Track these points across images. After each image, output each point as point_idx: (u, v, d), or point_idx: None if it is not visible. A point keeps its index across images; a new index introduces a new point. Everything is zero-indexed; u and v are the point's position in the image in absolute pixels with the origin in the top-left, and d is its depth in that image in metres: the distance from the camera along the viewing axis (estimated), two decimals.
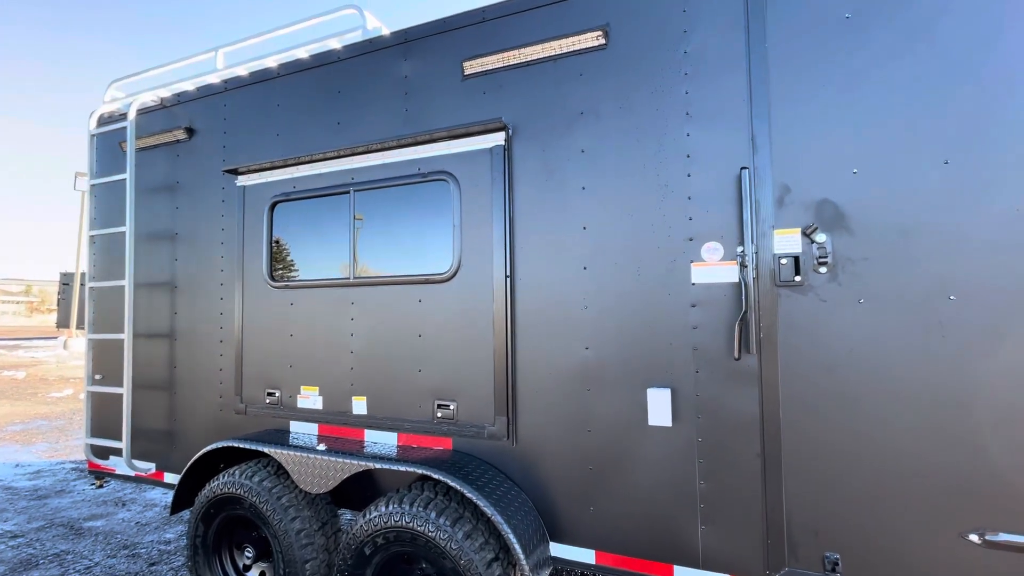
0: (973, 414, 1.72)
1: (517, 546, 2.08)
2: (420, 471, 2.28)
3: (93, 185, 3.57)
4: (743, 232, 2.00)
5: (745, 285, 1.99)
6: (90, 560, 3.64)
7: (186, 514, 4.20)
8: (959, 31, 1.78)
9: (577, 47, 2.31)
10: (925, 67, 1.81)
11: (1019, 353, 1.68)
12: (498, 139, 2.44)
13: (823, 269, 1.91)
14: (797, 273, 1.93)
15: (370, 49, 2.80)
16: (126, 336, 3.22)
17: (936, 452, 1.76)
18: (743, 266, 2.00)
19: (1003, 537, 1.67)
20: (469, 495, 2.15)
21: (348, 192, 2.78)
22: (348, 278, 2.76)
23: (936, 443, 1.76)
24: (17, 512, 4.53)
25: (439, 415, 2.53)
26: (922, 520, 1.77)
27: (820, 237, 1.91)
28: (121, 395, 3.25)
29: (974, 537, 1.71)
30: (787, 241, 1.96)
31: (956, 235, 1.75)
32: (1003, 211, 1.70)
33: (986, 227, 1.72)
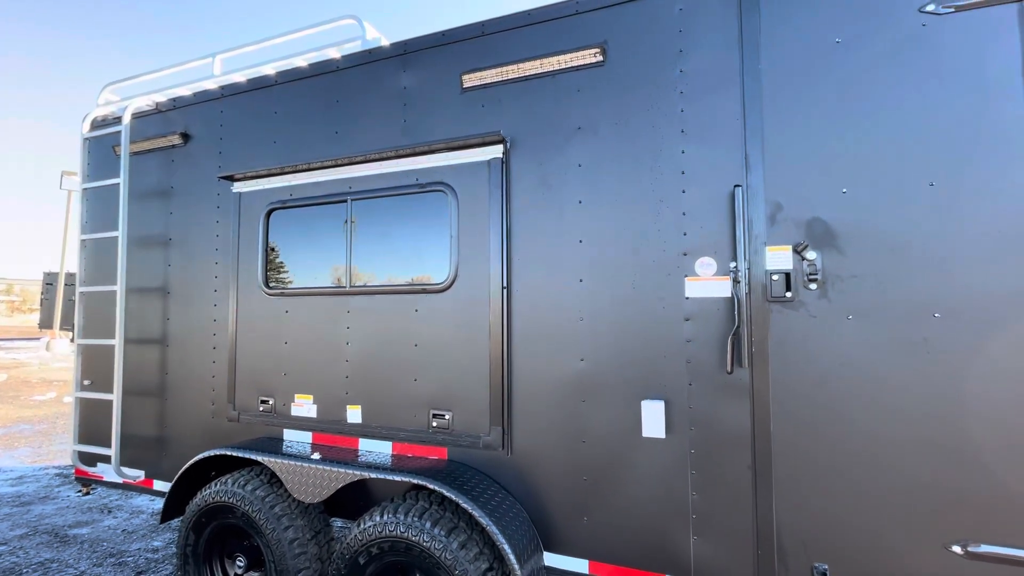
0: (956, 428, 1.77)
1: (512, 556, 2.09)
2: (415, 481, 2.29)
3: (85, 189, 3.54)
4: (736, 248, 2.05)
5: (738, 300, 2.03)
6: (76, 569, 3.58)
7: (174, 522, 4.15)
8: (944, 59, 1.84)
9: (575, 63, 2.35)
10: (910, 92, 1.88)
11: (1000, 369, 1.74)
12: (496, 152, 2.47)
13: (813, 286, 1.96)
14: (788, 289, 1.98)
15: (369, 59, 2.82)
16: (117, 342, 3.19)
17: (921, 465, 1.81)
18: (736, 281, 2.05)
19: (984, 548, 1.73)
20: (464, 505, 2.16)
21: (345, 201, 2.80)
22: (344, 287, 2.77)
23: (921, 457, 1.81)
24: None
25: (434, 425, 2.54)
26: (907, 531, 1.82)
27: (811, 254, 1.96)
28: (110, 401, 3.21)
29: (957, 548, 1.76)
30: (779, 258, 2.01)
31: (941, 254, 1.81)
32: (986, 232, 1.77)
33: (969, 247, 1.78)
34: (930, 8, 1.86)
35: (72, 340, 3.70)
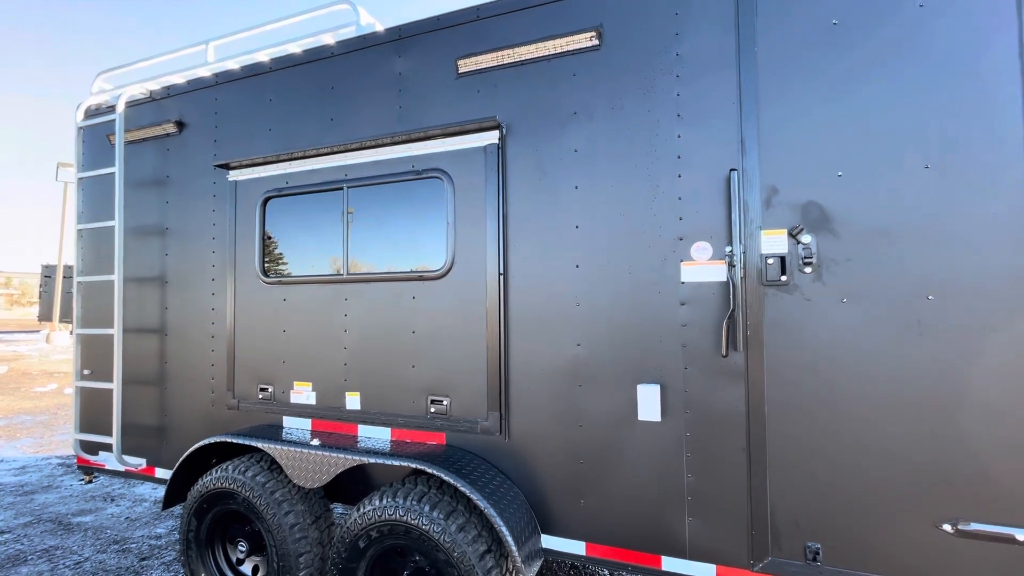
0: (948, 409, 1.79)
1: (509, 538, 2.12)
2: (414, 465, 2.31)
3: (81, 178, 3.53)
4: (731, 232, 2.05)
5: (733, 284, 2.04)
6: (80, 555, 3.62)
7: (177, 509, 4.19)
8: (940, 41, 1.84)
9: (571, 47, 2.33)
10: (907, 75, 1.87)
11: (991, 351, 1.75)
12: (492, 138, 2.46)
13: (808, 269, 1.97)
14: (783, 273, 1.99)
15: (364, 45, 2.79)
16: (116, 331, 3.20)
17: (912, 446, 1.83)
18: (731, 265, 2.05)
19: (974, 526, 1.75)
20: (463, 489, 2.19)
21: (342, 188, 2.79)
22: (342, 274, 2.77)
23: (912, 437, 1.83)
24: (3, 508, 4.49)
25: (432, 410, 2.56)
26: (898, 511, 1.84)
27: (805, 238, 1.96)
28: (111, 390, 3.23)
29: (947, 527, 1.78)
30: (774, 241, 2.01)
31: (935, 238, 1.82)
32: (979, 215, 1.77)
33: (963, 230, 1.79)
34: None
35: (72, 332, 3.70)
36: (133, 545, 3.77)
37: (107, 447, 3.37)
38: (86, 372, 3.51)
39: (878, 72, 1.90)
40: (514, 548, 2.12)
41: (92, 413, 3.49)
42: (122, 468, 3.33)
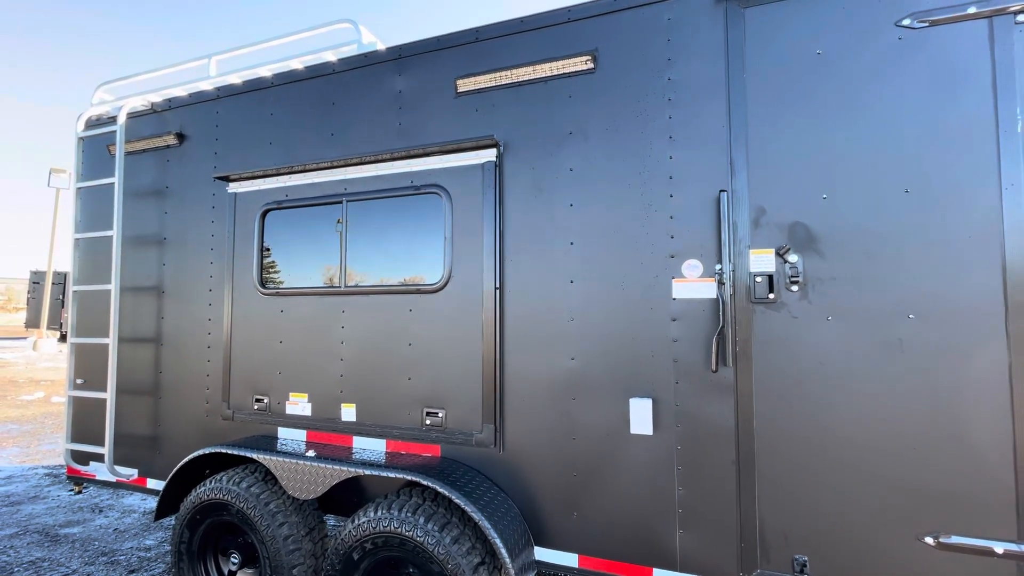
0: (928, 425, 1.85)
1: (503, 550, 2.15)
2: (409, 477, 2.33)
3: (79, 188, 3.55)
4: (721, 251, 2.12)
5: (723, 301, 2.10)
6: (67, 568, 3.58)
7: (166, 520, 4.16)
8: (919, 70, 1.93)
9: (567, 70, 2.41)
10: (887, 103, 1.96)
11: (970, 368, 1.82)
12: (490, 155, 2.52)
13: (795, 287, 2.03)
14: (771, 291, 2.06)
15: (365, 63, 2.86)
16: (111, 340, 3.20)
17: (895, 460, 1.89)
18: (721, 283, 2.12)
19: (955, 539, 1.81)
20: (457, 500, 2.21)
21: (340, 202, 2.84)
22: (339, 286, 2.81)
23: (896, 452, 1.89)
24: None
25: (428, 422, 2.59)
26: (883, 524, 1.89)
27: (792, 257, 2.03)
28: (104, 400, 3.22)
29: (929, 540, 1.84)
30: (762, 260, 2.08)
31: (914, 259, 1.89)
32: (956, 236, 1.85)
33: (941, 251, 1.86)
34: (906, 22, 1.94)
35: (60, 339, 3.69)
36: (122, 557, 3.74)
37: (98, 457, 3.35)
38: (79, 381, 3.50)
39: (860, 99, 1.99)
40: (508, 560, 2.14)
41: (84, 423, 3.47)
42: (113, 478, 3.32)
